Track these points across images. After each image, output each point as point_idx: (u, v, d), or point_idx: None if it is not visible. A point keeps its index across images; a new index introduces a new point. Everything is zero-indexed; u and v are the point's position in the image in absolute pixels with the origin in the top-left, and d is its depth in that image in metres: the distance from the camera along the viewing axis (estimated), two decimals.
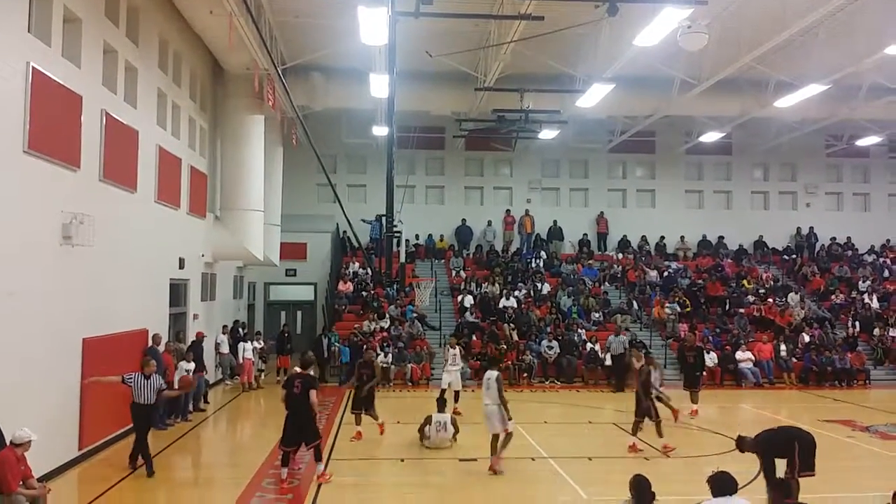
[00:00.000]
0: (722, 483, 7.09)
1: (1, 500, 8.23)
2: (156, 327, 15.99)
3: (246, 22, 16.09)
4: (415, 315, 25.22)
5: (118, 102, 13.92)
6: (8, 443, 8.62)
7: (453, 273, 29.59)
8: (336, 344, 23.37)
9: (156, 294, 16.53)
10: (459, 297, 27.03)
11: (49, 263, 11.15)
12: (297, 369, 11.79)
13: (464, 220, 31.75)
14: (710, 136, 28.19)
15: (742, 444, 9.53)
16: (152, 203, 15.85)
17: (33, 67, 10.49)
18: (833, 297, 28.67)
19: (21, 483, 8.49)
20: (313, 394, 11.22)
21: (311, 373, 11.78)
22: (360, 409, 14.53)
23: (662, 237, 32.51)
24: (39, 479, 9.38)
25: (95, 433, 12.86)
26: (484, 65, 21.66)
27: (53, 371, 11.38)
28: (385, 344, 23.24)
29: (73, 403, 12.12)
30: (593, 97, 21.26)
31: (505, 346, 23.37)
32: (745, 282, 29.39)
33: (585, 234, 32.31)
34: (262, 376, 22.56)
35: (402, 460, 12.82)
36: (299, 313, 30.27)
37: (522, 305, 26.38)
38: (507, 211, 32.20)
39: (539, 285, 28.24)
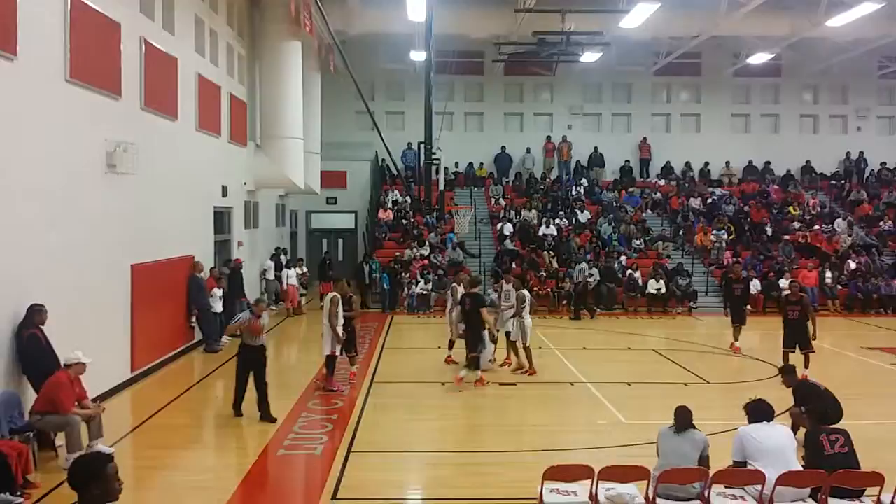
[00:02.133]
0: (759, 410, 7.10)
1: (57, 420, 8.60)
2: (201, 254, 16.30)
3: None
4: (455, 242, 25.29)
5: (156, 30, 13.87)
6: (62, 365, 8.95)
7: (492, 201, 29.46)
8: (377, 272, 23.61)
9: (201, 221, 16.79)
10: (499, 225, 26.99)
11: (95, 191, 11.33)
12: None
13: (503, 147, 31.39)
14: (759, 58, 27.24)
15: (787, 376, 9.48)
16: (193, 131, 15.93)
17: None
18: (881, 223, 27.97)
19: (76, 403, 8.86)
20: (484, 311, 12.70)
21: (478, 291, 13.28)
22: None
23: (707, 163, 31.84)
24: (94, 400, 9.75)
25: (146, 356, 13.29)
26: None
27: (105, 296, 11.71)
28: (425, 271, 23.42)
29: (125, 328, 12.50)
30: (637, 17, 20.59)
31: (545, 274, 23.40)
32: (791, 208, 28.80)
33: (627, 161, 31.77)
34: (305, 302, 23.00)
35: (443, 384, 13.05)
36: (340, 241, 30.56)
37: (563, 233, 26.26)
38: (548, 137, 31.72)
39: (579, 213, 28.01)
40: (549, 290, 22.91)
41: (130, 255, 12.61)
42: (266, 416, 10.60)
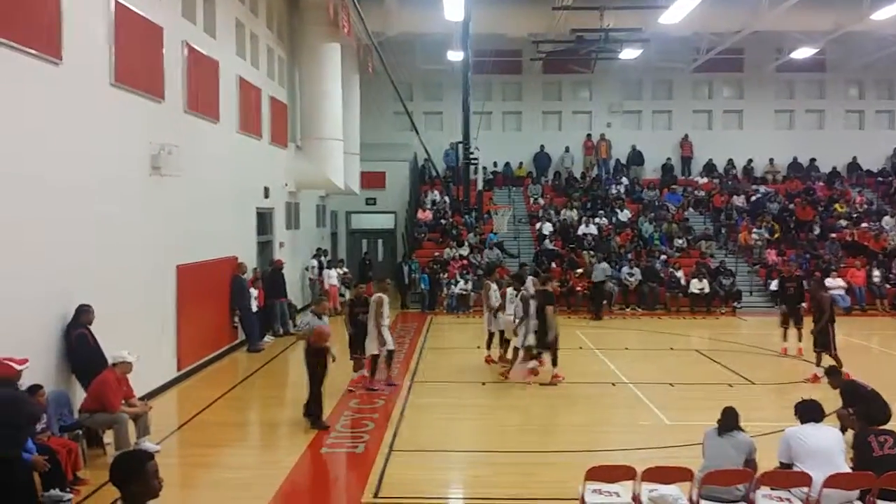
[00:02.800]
0: (809, 410, 6.96)
1: (105, 418, 8.78)
2: (245, 255, 16.52)
3: None
4: (493, 242, 25.25)
5: (198, 33, 14.08)
6: (110, 364, 9.12)
7: (531, 200, 29.33)
8: (416, 272, 23.67)
9: (243, 222, 17.01)
10: (538, 225, 26.86)
11: (141, 193, 11.55)
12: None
13: (542, 146, 31.23)
14: (802, 53, 26.68)
15: (833, 378, 9.30)
16: (235, 133, 16.15)
17: (115, 0, 10.67)
18: None
19: (123, 402, 9.03)
20: (549, 309, 12.71)
21: (549, 289, 13.30)
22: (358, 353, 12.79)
23: (750, 160, 31.29)
24: (141, 398, 9.93)
25: (191, 355, 13.51)
26: None
27: (151, 297, 11.93)
28: (464, 271, 23.42)
29: (171, 327, 12.71)
30: (677, 13, 20.31)
31: (582, 272, 23.24)
32: (837, 206, 28.15)
33: (669, 159, 31.39)
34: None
35: (483, 384, 13.03)
36: (380, 241, 30.72)
37: (603, 232, 26.03)
38: (588, 135, 31.48)
39: (620, 212, 27.75)
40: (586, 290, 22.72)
41: (176, 255, 12.83)
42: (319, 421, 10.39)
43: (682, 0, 19.17)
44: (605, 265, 22.53)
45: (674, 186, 29.89)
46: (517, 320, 13.19)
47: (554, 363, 13.07)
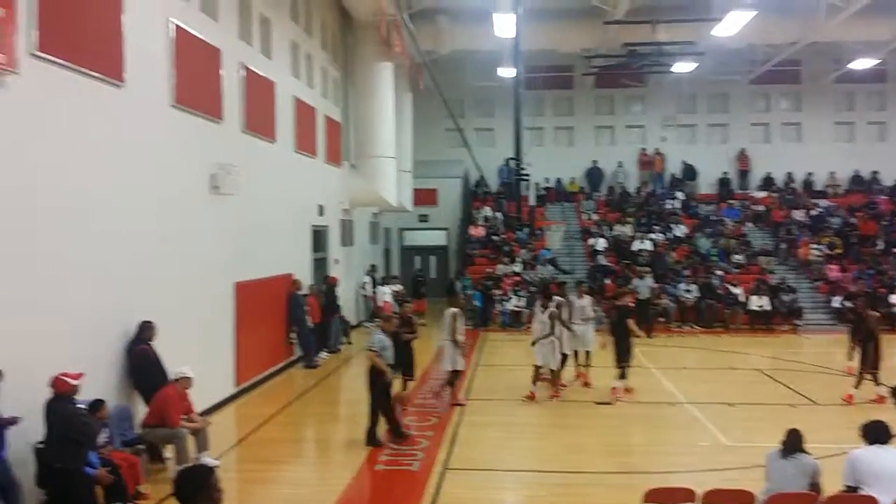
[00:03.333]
0: (875, 431, 6.70)
1: (166, 433, 8.95)
2: (300, 272, 16.73)
3: None
4: (546, 258, 25.10)
5: (255, 55, 14.38)
6: (171, 380, 9.31)
7: (584, 216, 29.11)
8: (469, 289, 23.66)
9: (299, 240, 17.25)
10: (591, 241, 26.62)
11: (200, 211, 11.80)
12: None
13: (594, 161, 30.99)
14: (862, 63, 25.98)
15: None
16: (291, 152, 16.42)
17: (175, 24, 10.97)
18: None
19: (183, 417, 9.19)
20: (630, 322, 12.85)
21: (625, 304, 13.48)
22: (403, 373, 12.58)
23: (810, 174, 30.50)
24: (200, 413, 10.09)
25: (249, 371, 13.71)
26: None
27: (210, 313, 12.16)
28: (517, 288, 23.31)
29: (229, 343, 12.93)
30: (731, 25, 19.99)
31: (628, 288, 22.83)
32: None
33: (725, 173, 30.82)
34: None
35: (538, 402, 12.90)
36: (432, 258, 30.81)
37: (658, 248, 25.66)
38: (642, 150, 31.15)
39: (675, 227, 27.33)
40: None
41: (234, 273, 13.06)
42: (374, 439, 10.36)
43: (736, 12, 18.86)
44: (648, 281, 22.07)
45: (731, 201, 29.33)
46: (542, 338, 12.90)
47: (622, 377, 12.96)
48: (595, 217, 28.71)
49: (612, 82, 29.98)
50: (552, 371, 13.17)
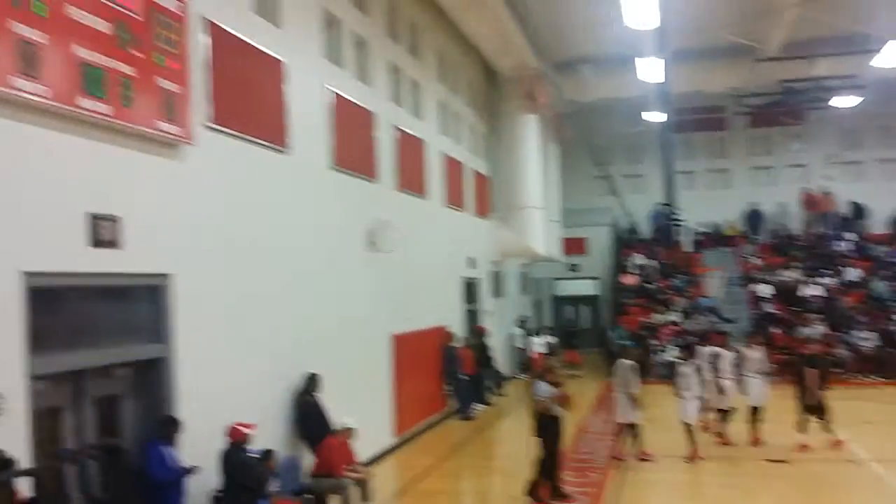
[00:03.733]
0: None
1: (331, 483, 9.20)
2: (453, 324, 16.96)
3: (515, 25, 16.49)
4: (707, 306, 24.04)
5: (406, 116, 14.98)
6: (335, 430, 9.60)
7: (746, 261, 27.71)
8: (622, 339, 23.01)
9: (451, 292, 17.54)
10: (754, 287, 25.24)
11: (359, 267, 12.30)
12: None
13: (753, 203, 29.58)
14: None
15: None
16: (442, 207, 16.84)
17: (332, 90, 11.64)
18: None
19: (347, 467, 9.42)
20: (809, 372, 12.19)
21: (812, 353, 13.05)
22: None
23: None
24: (362, 465, 10.31)
25: (407, 423, 13.93)
26: (765, 33, 20.04)
27: (370, 365, 12.53)
28: (676, 338, 22.42)
29: (388, 395, 13.23)
30: (893, 56, 18.69)
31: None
32: None
33: None
34: None
35: (703, 459, 12.22)
36: (584, 308, 30.30)
37: (829, 293, 23.94)
38: (804, 189, 29.42)
39: (847, 270, 25.42)
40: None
41: (390, 325, 13.43)
42: (560, 493, 10.02)
43: (894, 43, 17.61)
44: (819, 329, 20.50)
45: None
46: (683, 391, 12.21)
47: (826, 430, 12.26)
48: (758, 261, 27.27)
49: (768, 120, 28.64)
50: (689, 429, 12.21)
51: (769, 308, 23.67)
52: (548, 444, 9.97)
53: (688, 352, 12.81)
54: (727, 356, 13.36)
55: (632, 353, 12.85)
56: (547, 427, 10.01)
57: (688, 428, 12.20)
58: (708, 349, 13.56)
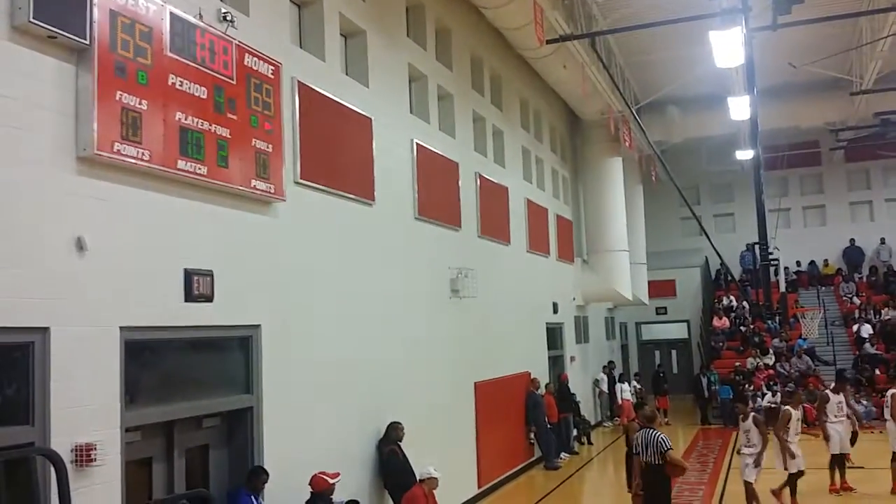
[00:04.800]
0: None
1: None
2: (536, 370, 16.79)
3: (598, 69, 16.51)
4: (803, 349, 23.03)
5: (489, 164, 15.12)
6: (418, 480, 9.60)
7: (845, 300, 26.49)
8: (715, 384, 22.27)
9: (535, 338, 17.40)
10: (855, 327, 24.07)
11: (442, 314, 12.39)
12: None
13: (852, 240, 28.34)
14: None
15: None
16: (525, 253, 16.82)
17: (417, 143, 11.90)
18: None
19: None
20: None
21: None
22: None
23: None
24: None
25: (491, 472, 13.79)
26: (858, 66, 19.42)
27: (453, 413, 12.52)
28: (771, 382, 21.54)
29: (471, 443, 13.16)
30: None
31: None
32: None
33: None
34: None
35: None
36: (673, 352, 29.48)
37: None
38: None
39: None
40: None
41: (474, 373, 13.42)
42: None
43: None
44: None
45: None
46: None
47: None
48: (857, 301, 26.02)
49: (866, 154, 27.54)
50: (747, 486, 11.23)
51: (871, 349, 22.49)
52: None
53: (742, 404, 12.26)
54: (831, 400, 12.82)
55: (795, 399, 12.57)
56: (659, 484, 9.03)
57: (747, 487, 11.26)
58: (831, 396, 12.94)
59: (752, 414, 11.68)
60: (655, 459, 8.72)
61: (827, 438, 12.60)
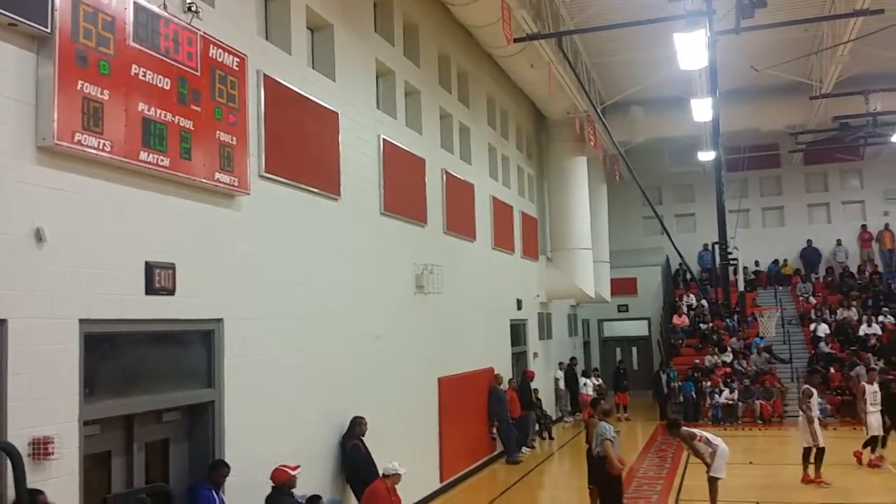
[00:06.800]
0: None
1: None
2: (500, 366, 16.90)
3: (564, 69, 16.64)
4: (761, 347, 23.51)
5: (455, 161, 15.17)
6: (381, 475, 9.62)
7: (801, 300, 27.08)
8: (674, 381, 22.63)
9: (498, 334, 17.52)
10: (811, 326, 24.62)
11: (406, 310, 12.41)
12: None
13: (809, 241, 28.95)
14: None
15: None
16: (489, 250, 16.91)
17: (384, 138, 11.89)
18: None
19: None
20: None
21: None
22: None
23: None
24: None
25: (453, 466, 13.87)
26: (818, 70, 19.84)
27: (416, 409, 12.55)
28: (728, 379, 21.95)
29: (434, 438, 13.22)
30: None
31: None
32: None
33: None
34: None
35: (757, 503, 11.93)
36: (634, 349, 29.89)
37: (887, 332, 23.23)
38: (863, 227, 28.71)
39: None
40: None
41: (438, 368, 13.47)
42: None
43: None
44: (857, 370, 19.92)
45: None
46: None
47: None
48: (814, 300, 26.62)
49: (824, 158, 28.11)
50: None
51: (826, 348, 23.04)
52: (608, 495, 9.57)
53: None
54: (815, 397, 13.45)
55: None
56: (613, 483, 9.53)
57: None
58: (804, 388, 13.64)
59: (683, 429, 11.10)
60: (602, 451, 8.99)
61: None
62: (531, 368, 19.20)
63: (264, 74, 8.88)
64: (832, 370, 21.62)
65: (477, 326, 15.75)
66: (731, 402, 21.37)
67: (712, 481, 10.80)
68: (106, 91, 6.45)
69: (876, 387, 14.25)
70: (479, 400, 15.77)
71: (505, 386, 16.71)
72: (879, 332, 23.24)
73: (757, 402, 21.19)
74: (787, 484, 13.03)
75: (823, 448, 12.89)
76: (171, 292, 7.25)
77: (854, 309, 24.95)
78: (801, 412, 13.13)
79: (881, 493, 12.42)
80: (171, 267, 7.26)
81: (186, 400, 7.71)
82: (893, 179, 28.70)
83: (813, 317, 25.25)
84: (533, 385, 18.62)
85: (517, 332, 19.06)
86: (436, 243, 13.75)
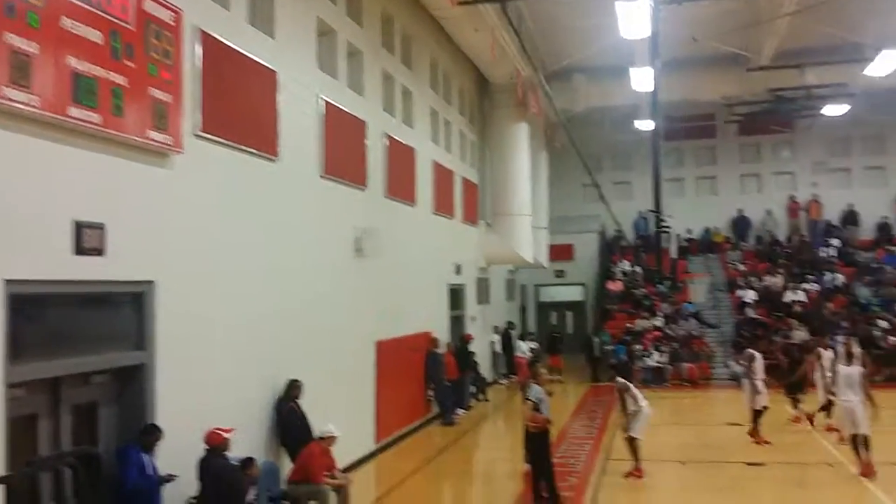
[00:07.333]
0: None
1: (309, 489, 9.27)
2: (438, 330, 17.07)
3: (508, 34, 16.58)
4: (690, 312, 24.27)
5: (397, 125, 15.07)
6: (316, 437, 9.69)
7: (731, 267, 27.96)
8: (607, 344, 23.22)
9: (437, 298, 17.65)
10: (739, 293, 25.49)
11: (345, 274, 12.38)
12: None
13: (740, 210, 29.82)
14: None
15: None
16: (430, 214, 16.95)
17: (324, 99, 11.73)
18: None
19: (326, 474, 9.50)
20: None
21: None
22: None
23: None
24: (342, 471, 10.39)
25: (389, 428, 14.03)
26: (756, 43, 20.21)
27: (353, 371, 12.62)
28: (659, 343, 22.64)
29: (370, 400, 13.32)
30: (886, 65, 18.92)
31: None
32: None
33: (885, 217, 28.71)
34: None
35: (683, 463, 12.41)
36: (569, 314, 30.47)
37: (812, 298, 24.23)
38: (791, 197, 29.67)
39: (831, 276, 25.70)
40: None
41: (376, 331, 13.53)
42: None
43: (889, 51, 17.84)
44: (801, 334, 21.01)
45: (890, 247, 27.23)
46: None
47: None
48: (742, 268, 27.53)
49: (758, 129, 28.83)
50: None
51: (752, 313, 23.91)
52: (538, 455, 9.96)
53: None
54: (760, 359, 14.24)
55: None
56: (536, 439, 9.96)
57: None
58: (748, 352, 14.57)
59: (620, 379, 12.05)
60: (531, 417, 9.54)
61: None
62: (469, 332, 19.43)
63: (200, 30, 8.64)
64: (758, 334, 22.43)
65: (416, 290, 15.83)
66: (660, 364, 22.07)
67: (631, 440, 11.27)
68: (35, 44, 6.21)
69: (831, 353, 14.50)
70: (417, 363, 15.93)
71: (443, 349, 16.91)
72: (804, 299, 24.19)
73: (685, 364, 21.93)
74: (712, 443, 13.61)
75: (767, 407, 13.68)
76: (101, 253, 7.08)
77: (780, 276, 25.90)
78: (747, 378, 13.93)
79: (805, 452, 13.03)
80: (101, 227, 7.07)
81: (116, 362, 7.58)
82: (823, 151, 29.66)
83: (741, 284, 26.12)
84: (470, 348, 18.86)
85: (456, 296, 19.23)
86: (376, 207, 13.70)
